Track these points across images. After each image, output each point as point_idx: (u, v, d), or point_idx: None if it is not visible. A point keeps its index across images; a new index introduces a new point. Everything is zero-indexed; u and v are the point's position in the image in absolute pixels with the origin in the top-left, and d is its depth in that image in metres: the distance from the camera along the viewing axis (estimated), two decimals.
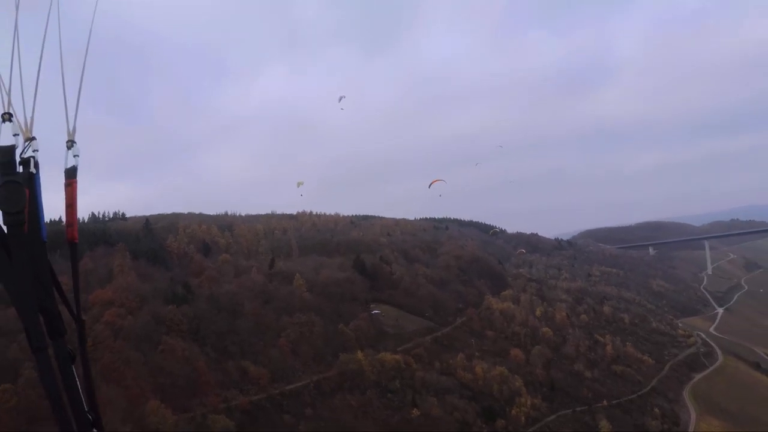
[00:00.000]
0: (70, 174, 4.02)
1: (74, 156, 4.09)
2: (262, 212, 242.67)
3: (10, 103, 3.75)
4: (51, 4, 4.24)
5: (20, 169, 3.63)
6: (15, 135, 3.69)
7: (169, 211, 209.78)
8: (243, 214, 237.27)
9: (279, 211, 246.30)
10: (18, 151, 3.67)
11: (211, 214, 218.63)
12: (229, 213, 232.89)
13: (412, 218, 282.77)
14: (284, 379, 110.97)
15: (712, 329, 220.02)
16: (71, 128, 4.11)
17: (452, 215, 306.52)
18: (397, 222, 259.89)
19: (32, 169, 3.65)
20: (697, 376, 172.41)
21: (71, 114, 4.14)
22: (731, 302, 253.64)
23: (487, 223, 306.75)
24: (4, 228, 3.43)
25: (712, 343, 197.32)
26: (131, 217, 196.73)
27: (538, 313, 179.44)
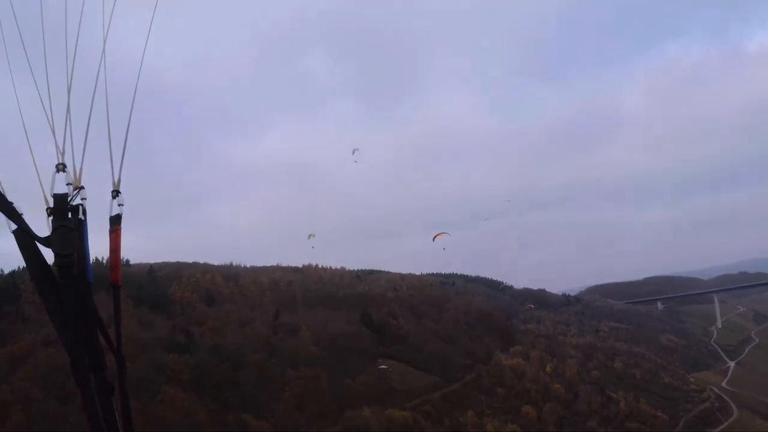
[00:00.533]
0: (115, 221, 4.19)
1: (119, 205, 4.24)
2: (268, 263, 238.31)
3: (63, 154, 4.04)
4: (100, 64, 4.55)
5: (69, 215, 3.87)
6: (68, 184, 3.95)
7: (173, 260, 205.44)
8: (248, 265, 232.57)
9: (284, 263, 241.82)
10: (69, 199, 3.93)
11: (216, 264, 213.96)
12: (234, 263, 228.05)
13: (419, 273, 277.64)
14: None
15: (724, 383, 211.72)
16: (116, 179, 4.27)
17: (458, 270, 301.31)
18: (403, 277, 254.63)
19: (81, 216, 3.90)
20: (713, 431, 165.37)
21: (116, 166, 4.36)
22: (742, 355, 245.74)
23: (494, 278, 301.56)
24: (55, 269, 3.68)
25: (726, 398, 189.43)
26: (135, 264, 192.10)
27: (548, 369, 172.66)
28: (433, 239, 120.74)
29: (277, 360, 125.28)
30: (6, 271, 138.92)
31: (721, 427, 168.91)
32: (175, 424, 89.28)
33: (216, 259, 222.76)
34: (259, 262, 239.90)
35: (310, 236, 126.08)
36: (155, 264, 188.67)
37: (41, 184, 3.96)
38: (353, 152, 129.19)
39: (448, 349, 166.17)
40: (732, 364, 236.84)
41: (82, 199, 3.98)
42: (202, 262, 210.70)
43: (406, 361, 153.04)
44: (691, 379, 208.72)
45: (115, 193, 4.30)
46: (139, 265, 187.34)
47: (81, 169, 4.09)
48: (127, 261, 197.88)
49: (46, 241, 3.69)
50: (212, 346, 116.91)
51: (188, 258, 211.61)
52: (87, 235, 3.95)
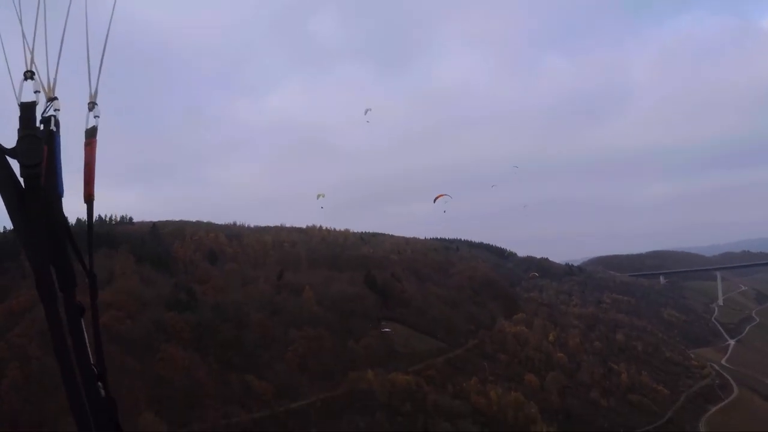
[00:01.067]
0: (90, 134, 3.92)
1: (95, 117, 3.96)
2: (272, 224, 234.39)
3: (33, 61, 3.75)
4: None
5: (42, 127, 3.61)
6: (36, 92, 3.66)
7: (177, 219, 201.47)
8: (252, 225, 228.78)
9: (288, 224, 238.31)
10: (40, 110, 3.66)
11: (220, 223, 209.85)
12: (238, 223, 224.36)
13: (423, 237, 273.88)
14: (290, 395, 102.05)
15: (723, 360, 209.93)
16: (93, 90, 4.00)
17: (462, 236, 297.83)
18: (407, 240, 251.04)
19: (53, 127, 3.66)
20: (713, 409, 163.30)
21: (94, 76, 4.04)
22: (742, 334, 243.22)
23: (497, 245, 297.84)
24: (22, 181, 3.45)
25: (727, 375, 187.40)
26: (138, 222, 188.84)
27: (551, 338, 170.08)
28: (434, 201, 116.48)
29: (280, 320, 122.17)
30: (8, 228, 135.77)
31: (721, 404, 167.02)
32: (176, 383, 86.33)
33: (220, 219, 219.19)
34: (263, 223, 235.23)
35: (319, 196, 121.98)
36: (159, 222, 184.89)
37: (15, 94, 3.56)
38: (366, 112, 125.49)
39: (451, 313, 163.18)
40: (732, 342, 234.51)
41: (55, 110, 3.68)
42: (205, 221, 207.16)
43: (409, 325, 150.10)
44: (692, 355, 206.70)
45: (92, 105, 3.97)
46: (142, 223, 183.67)
47: (55, 80, 3.76)
48: (131, 218, 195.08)
49: (12, 152, 3.38)
50: (214, 305, 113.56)
51: (191, 217, 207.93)
52: (59, 148, 3.63)
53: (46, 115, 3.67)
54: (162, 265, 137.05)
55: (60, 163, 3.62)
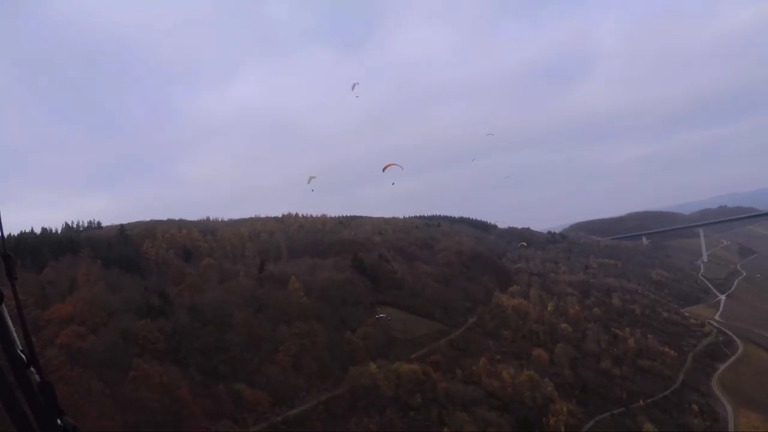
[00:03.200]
0: None
1: None
2: (246, 216, 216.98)
3: None
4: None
5: None
6: None
7: (147, 219, 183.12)
8: (226, 219, 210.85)
9: (263, 214, 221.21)
10: None
11: (192, 219, 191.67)
12: (212, 218, 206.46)
13: (401, 217, 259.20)
14: (287, 402, 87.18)
15: (717, 316, 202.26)
16: None
17: (441, 212, 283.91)
18: (387, 221, 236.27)
19: None
20: (722, 367, 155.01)
21: None
22: (732, 289, 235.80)
23: (478, 219, 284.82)
24: None
25: (729, 332, 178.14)
26: (107, 227, 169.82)
27: (549, 308, 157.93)
28: (383, 170, 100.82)
29: (267, 316, 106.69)
30: None
31: (729, 361, 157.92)
32: (153, 404, 70.26)
33: (192, 216, 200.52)
34: (237, 216, 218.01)
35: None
36: (128, 224, 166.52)
37: None
38: (353, 87, 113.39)
39: (445, 291, 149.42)
40: (723, 297, 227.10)
41: None
42: (177, 218, 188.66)
43: (404, 308, 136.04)
44: (686, 314, 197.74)
45: None
46: (112, 227, 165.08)
47: None
48: (99, 223, 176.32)
49: None
50: (191, 307, 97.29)
51: (162, 217, 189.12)
52: None
53: None
54: (131, 267, 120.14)
55: None
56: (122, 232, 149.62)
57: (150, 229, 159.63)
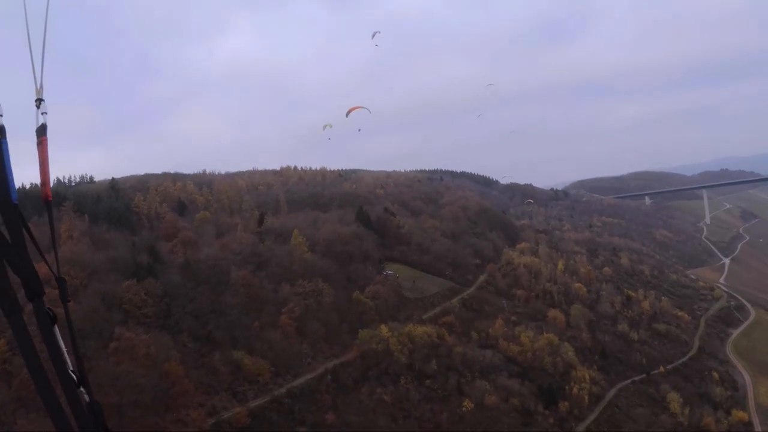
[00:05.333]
0: (41, 132, 3.64)
1: (42, 114, 3.69)
2: (243, 170, 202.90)
3: None
4: None
5: None
6: None
7: (141, 173, 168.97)
8: (222, 172, 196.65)
9: (261, 168, 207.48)
10: None
11: (188, 173, 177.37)
12: (208, 171, 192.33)
13: (403, 171, 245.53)
14: (291, 370, 75.96)
15: (722, 280, 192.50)
16: (38, 86, 3.69)
17: (441, 167, 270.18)
18: (388, 174, 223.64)
19: None
20: (735, 332, 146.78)
21: (38, 71, 3.71)
22: (736, 252, 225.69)
23: (480, 174, 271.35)
24: None
25: (739, 296, 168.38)
26: (100, 181, 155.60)
27: (560, 266, 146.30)
28: (347, 114, 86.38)
29: (267, 275, 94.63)
30: None
31: (742, 327, 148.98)
32: (139, 379, 57.95)
33: (188, 170, 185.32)
34: (234, 169, 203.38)
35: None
36: (121, 178, 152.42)
37: None
38: (373, 36, 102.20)
39: (453, 247, 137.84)
40: (727, 261, 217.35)
41: None
42: (172, 172, 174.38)
43: (412, 264, 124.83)
44: (693, 276, 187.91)
45: (39, 102, 3.67)
46: (104, 182, 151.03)
47: None
48: (91, 178, 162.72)
49: None
50: (184, 265, 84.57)
51: (157, 171, 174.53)
52: (8, 155, 3.31)
53: None
54: (121, 222, 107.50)
55: (10, 171, 3.27)
56: (113, 185, 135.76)
57: (143, 183, 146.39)
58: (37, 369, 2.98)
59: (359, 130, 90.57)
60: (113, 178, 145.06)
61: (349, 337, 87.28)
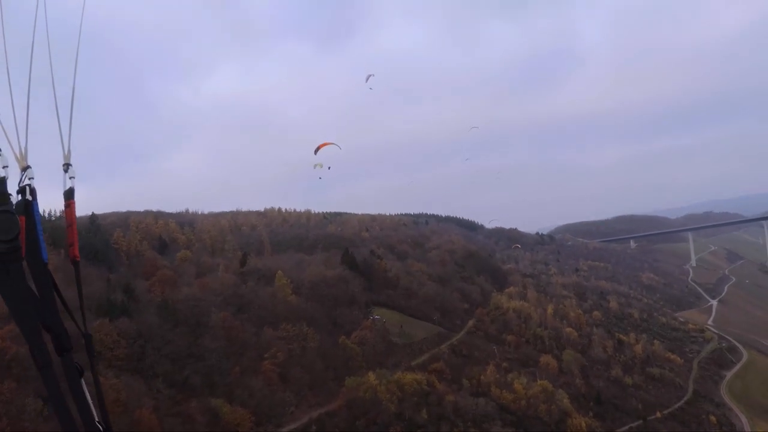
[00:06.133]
0: (68, 195, 3.84)
1: (70, 178, 3.89)
2: (226, 210, 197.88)
3: None
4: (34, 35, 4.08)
5: (18, 197, 3.53)
6: (5, 167, 3.50)
7: (123, 210, 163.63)
8: (206, 212, 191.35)
9: (244, 208, 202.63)
10: (17, 181, 3.60)
11: (171, 212, 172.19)
12: (191, 211, 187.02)
13: (388, 214, 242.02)
14: (273, 419, 70.50)
15: (710, 322, 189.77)
16: (66, 151, 3.91)
17: (426, 211, 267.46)
18: (373, 217, 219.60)
19: (28, 197, 3.55)
20: (728, 374, 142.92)
21: (65, 137, 3.92)
22: (723, 294, 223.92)
23: (465, 218, 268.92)
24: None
25: (730, 338, 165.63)
26: (81, 216, 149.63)
27: (550, 311, 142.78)
28: (316, 151, 78.63)
29: (250, 317, 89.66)
30: None
31: (735, 368, 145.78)
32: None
33: (170, 209, 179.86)
34: (217, 209, 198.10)
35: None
36: (103, 214, 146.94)
37: None
38: (367, 79, 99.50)
39: (441, 291, 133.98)
40: (714, 302, 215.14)
41: (29, 179, 3.52)
42: (155, 210, 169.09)
43: (400, 309, 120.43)
44: (681, 319, 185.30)
45: (66, 167, 3.85)
46: (84, 217, 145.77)
47: (26, 148, 3.56)
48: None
49: None
50: (161, 305, 79.44)
51: (139, 208, 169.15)
52: (38, 216, 3.47)
53: (22, 185, 3.48)
54: (99, 258, 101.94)
55: (40, 231, 3.44)
56: (93, 220, 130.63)
57: (123, 219, 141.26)
58: (67, 420, 3.12)
59: (329, 167, 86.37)
60: (93, 213, 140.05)
61: (335, 385, 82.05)
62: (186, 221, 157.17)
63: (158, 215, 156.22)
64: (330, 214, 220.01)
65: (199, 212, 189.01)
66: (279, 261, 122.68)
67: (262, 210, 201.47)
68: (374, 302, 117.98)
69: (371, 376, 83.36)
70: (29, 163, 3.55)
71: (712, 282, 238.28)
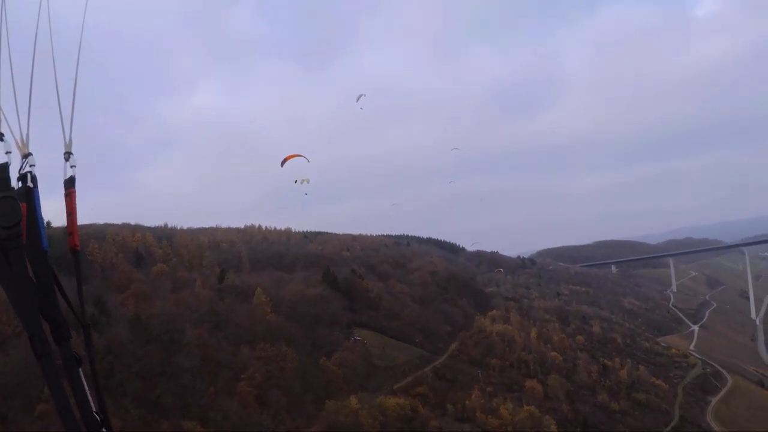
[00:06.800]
0: (69, 184, 3.83)
1: (71, 167, 3.87)
2: (206, 226, 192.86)
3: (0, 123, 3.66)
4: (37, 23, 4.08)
5: (19, 184, 3.52)
6: (8, 153, 3.54)
7: (101, 222, 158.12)
8: (185, 227, 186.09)
9: (224, 225, 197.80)
10: (18, 167, 3.56)
11: (149, 225, 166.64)
12: (170, 225, 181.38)
13: (369, 234, 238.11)
14: None
15: (691, 347, 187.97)
16: (67, 139, 3.90)
17: (407, 232, 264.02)
18: (354, 237, 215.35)
19: (29, 184, 3.55)
20: (713, 400, 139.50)
21: (66, 126, 3.92)
22: (704, 319, 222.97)
23: (446, 240, 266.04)
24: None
25: (714, 363, 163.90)
26: (56, 227, 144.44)
27: (533, 335, 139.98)
28: (282, 163, 72.31)
29: (226, 335, 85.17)
30: None
31: (720, 394, 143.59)
32: None
33: (149, 223, 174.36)
34: (196, 225, 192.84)
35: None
36: (81, 226, 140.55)
37: None
38: (358, 99, 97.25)
39: (424, 313, 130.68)
40: (696, 328, 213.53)
41: (30, 165, 3.51)
42: (133, 223, 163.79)
43: (381, 330, 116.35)
44: (663, 344, 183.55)
45: (68, 155, 3.85)
46: (59, 228, 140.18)
47: (27, 135, 3.56)
48: (48, 223, 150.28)
49: None
50: (133, 319, 74.90)
51: (117, 221, 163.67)
52: (39, 203, 3.48)
53: (22, 172, 3.48)
54: (70, 270, 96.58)
55: (41, 219, 3.45)
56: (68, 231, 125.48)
57: (100, 231, 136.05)
58: (65, 410, 3.09)
59: (306, 194, 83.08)
60: None
61: (314, 408, 77.77)
62: (164, 235, 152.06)
63: (136, 228, 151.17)
64: (310, 233, 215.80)
65: (179, 227, 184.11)
66: (258, 278, 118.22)
67: (242, 227, 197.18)
68: (355, 323, 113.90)
69: (353, 400, 79.26)
70: (30, 151, 3.48)
71: (693, 307, 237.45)
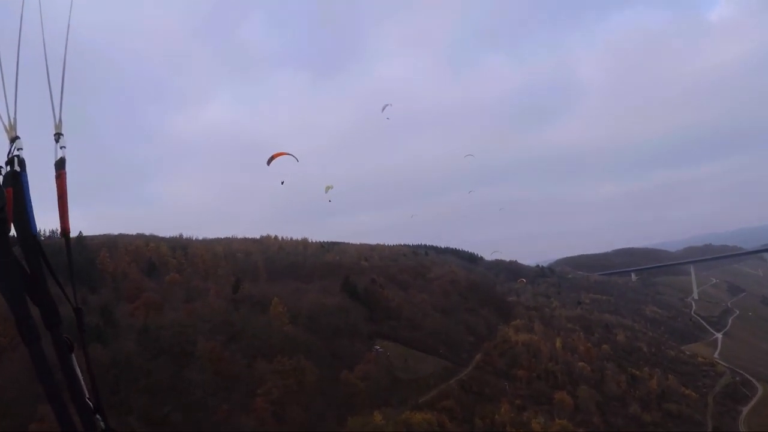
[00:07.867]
0: (59, 166, 3.72)
1: (61, 148, 3.76)
2: (221, 236, 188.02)
3: None
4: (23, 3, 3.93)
5: (7, 168, 3.46)
6: None
7: (115, 233, 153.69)
8: (200, 237, 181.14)
9: (240, 235, 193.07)
10: (6, 151, 3.53)
11: (164, 236, 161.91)
12: (185, 236, 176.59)
13: (387, 244, 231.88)
14: None
15: (716, 355, 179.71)
16: (57, 120, 3.79)
17: (423, 242, 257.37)
18: (372, 247, 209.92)
19: (17, 168, 3.47)
20: (744, 409, 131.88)
21: (56, 106, 3.81)
22: (727, 327, 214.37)
23: (464, 249, 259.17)
24: None
25: (743, 371, 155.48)
26: (72, 238, 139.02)
27: (558, 344, 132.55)
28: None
29: (241, 348, 79.31)
30: None
31: (751, 403, 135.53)
32: None
33: (164, 234, 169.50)
34: (212, 236, 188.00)
35: (328, 189, 79.80)
36: (94, 236, 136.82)
37: None
38: (383, 108, 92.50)
39: (446, 323, 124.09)
40: (719, 335, 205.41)
41: (18, 149, 3.46)
42: (148, 233, 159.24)
43: (403, 341, 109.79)
44: (688, 352, 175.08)
45: (58, 136, 3.74)
46: (76, 238, 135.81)
47: (15, 119, 3.50)
48: (80, 233, 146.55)
49: None
50: (142, 330, 69.18)
51: (132, 232, 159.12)
52: (27, 187, 3.40)
53: (10, 156, 3.42)
54: (82, 279, 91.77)
55: (30, 202, 3.36)
56: (80, 240, 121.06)
57: (113, 241, 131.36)
58: (54, 396, 3.01)
59: (282, 182, 77.18)
60: (80, 233, 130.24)
61: (336, 425, 71.47)
62: (179, 246, 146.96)
63: (150, 238, 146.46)
64: (328, 243, 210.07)
65: (194, 238, 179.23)
66: (274, 288, 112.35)
67: (258, 237, 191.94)
68: (377, 333, 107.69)
69: (377, 416, 72.99)
70: (18, 134, 3.39)
71: (716, 315, 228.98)
